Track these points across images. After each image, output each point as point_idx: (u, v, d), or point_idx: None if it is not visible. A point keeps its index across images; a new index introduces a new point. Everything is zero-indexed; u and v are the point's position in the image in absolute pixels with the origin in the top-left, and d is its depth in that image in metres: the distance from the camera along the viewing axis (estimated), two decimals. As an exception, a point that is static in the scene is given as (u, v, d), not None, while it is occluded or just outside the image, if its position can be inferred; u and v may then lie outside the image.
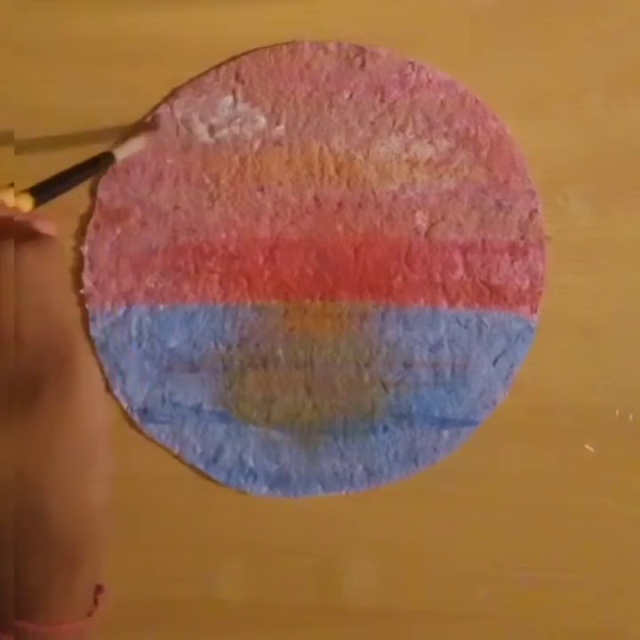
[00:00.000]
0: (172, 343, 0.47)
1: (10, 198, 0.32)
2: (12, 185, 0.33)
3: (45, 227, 0.32)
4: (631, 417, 0.47)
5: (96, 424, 0.29)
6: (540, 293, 0.46)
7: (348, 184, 0.46)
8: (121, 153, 0.40)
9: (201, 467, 0.47)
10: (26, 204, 0.32)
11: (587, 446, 0.47)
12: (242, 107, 0.46)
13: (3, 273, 0.28)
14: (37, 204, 0.33)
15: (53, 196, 0.34)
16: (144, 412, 0.47)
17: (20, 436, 0.27)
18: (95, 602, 0.32)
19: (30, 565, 0.29)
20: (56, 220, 0.47)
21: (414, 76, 0.45)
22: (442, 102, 0.45)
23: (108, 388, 0.47)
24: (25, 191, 0.33)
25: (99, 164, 0.39)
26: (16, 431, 0.27)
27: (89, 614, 0.32)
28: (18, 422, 0.27)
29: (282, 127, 0.46)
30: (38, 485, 0.28)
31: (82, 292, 0.46)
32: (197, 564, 0.48)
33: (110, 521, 0.30)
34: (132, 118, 0.46)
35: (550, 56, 0.45)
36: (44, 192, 0.34)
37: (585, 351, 0.46)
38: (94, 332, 0.47)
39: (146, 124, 0.45)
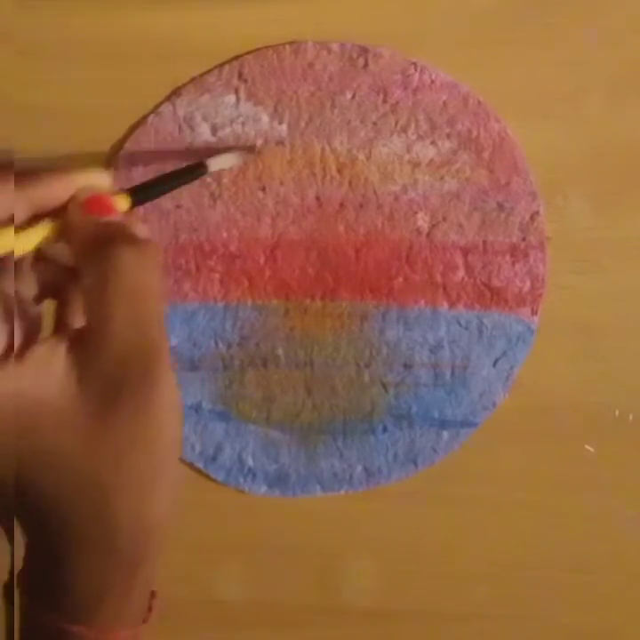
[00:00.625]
0: (172, 342, 0.47)
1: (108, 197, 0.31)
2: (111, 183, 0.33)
3: (142, 230, 0.32)
4: (631, 417, 0.47)
5: (170, 435, 0.29)
6: (540, 295, 0.46)
7: (350, 184, 0.46)
8: (214, 165, 0.41)
9: (200, 465, 0.47)
10: (123, 204, 0.32)
11: (587, 446, 0.47)
12: (244, 106, 0.46)
13: (106, 279, 0.28)
14: (134, 205, 0.33)
15: (149, 199, 0.34)
16: (144, 410, 0.47)
17: (97, 439, 0.28)
18: (149, 608, 0.32)
19: (90, 569, 0.29)
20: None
21: (417, 76, 0.45)
22: (444, 103, 0.45)
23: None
24: (123, 191, 0.32)
25: (192, 174, 0.40)
26: (94, 433, 0.28)
27: (144, 621, 0.32)
28: (96, 425, 0.28)
29: (284, 127, 0.46)
30: (109, 490, 0.28)
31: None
32: (195, 564, 0.48)
33: (171, 529, 0.31)
34: (133, 117, 0.46)
35: (550, 56, 0.45)
36: (141, 194, 0.34)
37: (585, 351, 0.46)
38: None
39: (247, 147, 0.45)
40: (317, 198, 0.46)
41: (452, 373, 0.47)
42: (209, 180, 0.46)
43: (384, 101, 0.45)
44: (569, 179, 0.46)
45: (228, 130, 0.46)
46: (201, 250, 0.46)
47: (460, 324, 0.46)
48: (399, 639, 0.49)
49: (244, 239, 0.46)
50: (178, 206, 0.46)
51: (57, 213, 0.30)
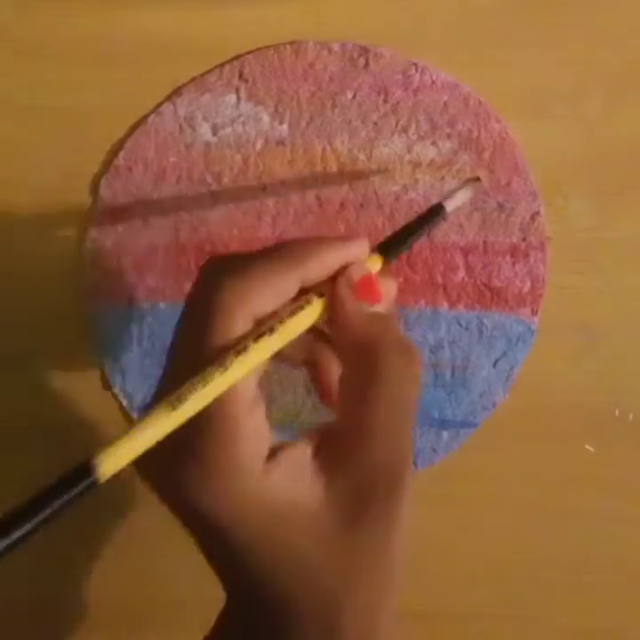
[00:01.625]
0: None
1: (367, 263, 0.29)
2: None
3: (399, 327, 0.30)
4: (631, 417, 0.47)
5: (402, 553, 0.28)
6: (540, 296, 0.46)
7: (351, 184, 0.46)
8: (451, 205, 0.37)
9: (200, 466, 0.47)
10: (376, 265, 0.30)
11: (587, 446, 0.47)
12: (245, 106, 0.46)
13: (376, 387, 0.27)
14: (385, 263, 0.31)
15: (399, 254, 0.32)
16: (144, 410, 0.47)
17: (338, 550, 0.27)
18: None
19: None
20: (56, 223, 0.47)
21: (418, 76, 0.45)
22: (445, 103, 0.45)
23: (108, 386, 0.47)
24: (374, 250, 0.30)
25: (432, 216, 0.36)
26: (338, 543, 0.27)
27: None
28: (341, 535, 0.27)
29: (285, 127, 0.46)
30: (340, 604, 0.27)
31: (82, 290, 0.46)
32: (196, 564, 0.48)
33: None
34: (134, 117, 0.46)
35: (551, 56, 0.45)
36: (391, 251, 0.32)
37: (585, 351, 0.46)
38: (95, 331, 0.46)
39: (470, 179, 0.41)
40: (318, 198, 0.46)
41: (452, 373, 0.47)
42: (210, 179, 0.46)
43: (385, 101, 0.45)
44: (569, 179, 0.46)
45: (228, 130, 0.46)
46: (201, 250, 0.46)
47: (461, 325, 0.46)
48: (399, 639, 0.48)
49: (245, 239, 0.46)
50: (178, 206, 0.46)
51: (321, 286, 0.28)
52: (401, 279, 0.46)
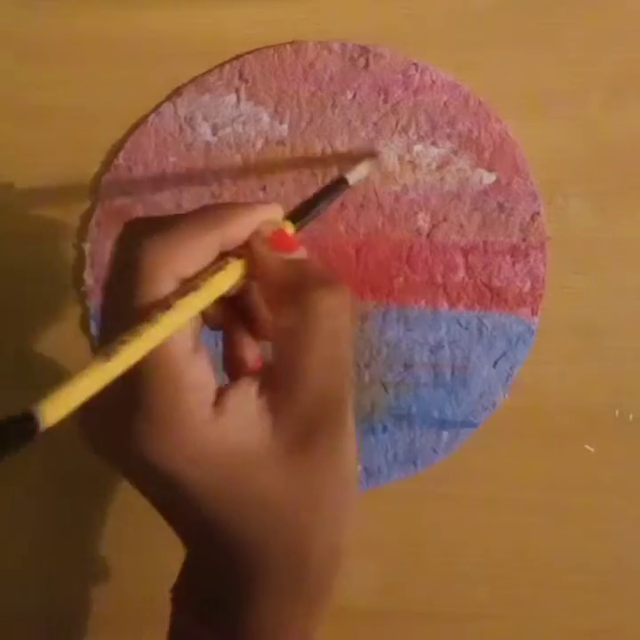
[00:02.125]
0: (173, 341, 0.46)
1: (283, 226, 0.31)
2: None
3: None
4: (631, 417, 0.47)
5: (354, 473, 0.30)
6: (540, 296, 0.46)
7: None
8: (353, 177, 0.41)
9: (200, 466, 0.47)
10: (289, 230, 0.32)
11: (587, 446, 0.47)
12: (245, 106, 0.46)
13: (306, 322, 0.28)
14: (296, 228, 0.33)
15: (305, 224, 0.34)
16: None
17: (295, 480, 0.28)
18: None
19: (272, 610, 0.29)
20: (59, 217, 0.47)
21: (418, 77, 0.45)
22: (445, 104, 0.45)
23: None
24: (286, 219, 0.32)
25: (336, 189, 0.39)
26: (293, 474, 0.28)
27: None
28: (294, 467, 0.28)
29: (285, 126, 0.46)
30: (307, 528, 0.28)
31: (83, 289, 0.46)
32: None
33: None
34: (134, 117, 0.46)
35: (550, 56, 0.45)
36: (298, 219, 0.34)
37: (585, 351, 0.46)
38: (95, 330, 0.46)
39: (369, 154, 0.45)
40: (318, 198, 0.46)
41: (452, 373, 0.47)
42: (210, 179, 0.46)
43: (385, 102, 0.45)
44: (569, 179, 0.46)
45: (228, 129, 0.46)
46: (201, 249, 0.46)
47: (461, 325, 0.46)
48: (399, 639, 0.49)
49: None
50: (178, 206, 0.46)
51: (239, 250, 0.30)
52: (401, 279, 0.46)
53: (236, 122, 0.46)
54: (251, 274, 0.30)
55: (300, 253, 0.31)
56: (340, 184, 0.40)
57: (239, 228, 0.29)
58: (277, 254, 0.30)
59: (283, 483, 0.28)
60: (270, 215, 0.31)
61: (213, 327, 0.33)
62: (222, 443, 0.27)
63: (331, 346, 0.28)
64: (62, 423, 0.24)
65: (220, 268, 0.29)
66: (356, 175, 0.41)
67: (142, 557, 0.48)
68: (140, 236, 0.27)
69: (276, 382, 0.28)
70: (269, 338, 0.32)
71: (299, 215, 0.34)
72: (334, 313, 0.28)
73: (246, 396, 0.28)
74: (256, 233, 0.30)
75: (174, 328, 0.26)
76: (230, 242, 0.29)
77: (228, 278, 0.29)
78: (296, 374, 0.28)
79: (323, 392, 0.28)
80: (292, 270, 0.29)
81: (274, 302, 0.30)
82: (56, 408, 0.24)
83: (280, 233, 0.30)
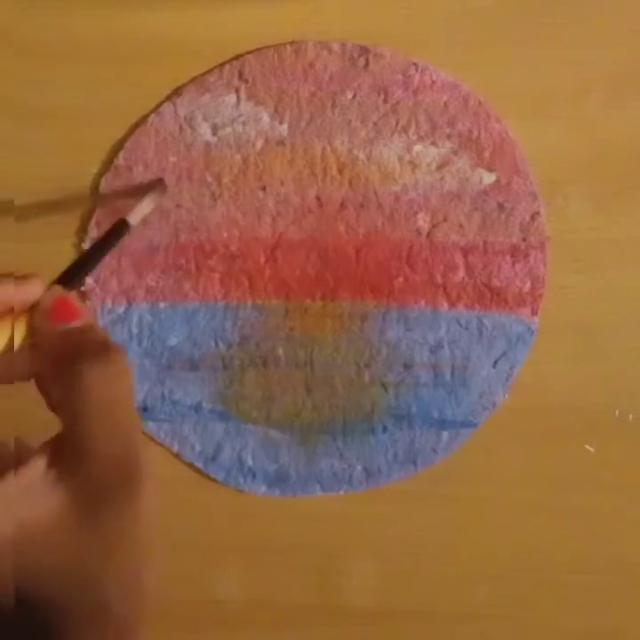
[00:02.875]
0: (173, 341, 0.47)
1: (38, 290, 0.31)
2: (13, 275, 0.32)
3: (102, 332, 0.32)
4: (631, 417, 0.47)
5: (155, 519, 0.30)
6: (540, 296, 0.46)
7: (351, 184, 0.46)
8: (134, 218, 0.40)
9: (199, 465, 0.47)
10: (62, 292, 0.32)
11: (587, 446, 0.47)
12: (245, 106, 0.46)
13: (77, 395, 0.28)
14: (72, 288, 0.33)
15: (82, 279, 0.34)
16: (143, 410, 0.47)
17: (86, 540, 0.28)
18: None
19: None
20: (59, 217, 0.47)
21: (418, 77, 0.45)
22: (445, 103, 0.45)
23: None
24: (53, 283, 0.33)
25: (117, 234, 0.39)
26: (84, 537, 0.28)
27: None
28: (85, 527, 0.28)
29: (285, 126, 0.46)
30: (99, 580, 0.28)
31: (82, 289, 0.46)
32: (195, 563, 0.48)
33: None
34: (134, 117, 0.46)
35: (550, 56, 0.45)
36: (72, 279, 0.34)
37: (585, 351, 0.46)
38: (94, 330, 0.46)
39: (152, 185, 0.45)
40: (318, 198, 0.46)
41: (452, 373, 0.47)
42: (210, 179, 0.46)
43: (385, 101, 0.45)
44: (569, 179, 0.46)
45: (228, 129, 0.46)
46: (201, 249, 0.46)
47: (460, 325, 0.46)
48: (399, 639, 0.49)
49: (245, 239, 0.46)
50: (178, 206, 0.46)
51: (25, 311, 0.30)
52: (401, 279, 0.46)
53: (236, 122, 0.46)
54: (32, 343, 0.30)
55: (84, 320, 0.31)
56: (121, 228, 0.40)
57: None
58: (53, 326, 0.30)
59: (77, 550, 0.28)
60: (30, 291, 0.31)
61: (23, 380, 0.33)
62: (16, 522, 0.27)
63: (107, 415, 0.28)
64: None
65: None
66: (138, 215, 0.41)
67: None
68: None
69: (64, 453, 0.28)
70: (51, 408, 0.32)
71: (69, 276, 0.34)
72: (104, 384, 0.28)
73: (36, 469, 0.28)
74: (35, 303, 0.30)
75: None
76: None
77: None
78: (79, 444, 0.28)
79: (108, 459, 0.28)
80: (64, 342, 0.30)
81: (53, 372, 0.30)
82: None
83: (60, 302, 0.30)
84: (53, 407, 0.32)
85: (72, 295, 0.32)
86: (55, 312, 0.30)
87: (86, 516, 0.28)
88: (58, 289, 0.32)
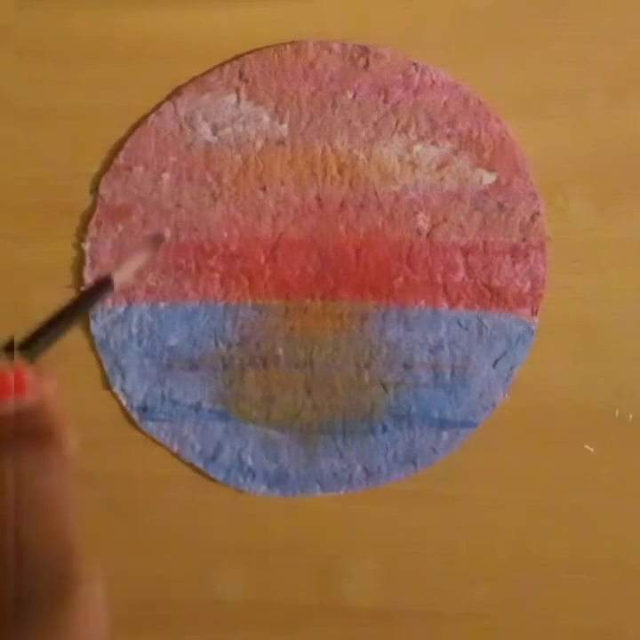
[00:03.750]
0: (173, 341, 0.47)
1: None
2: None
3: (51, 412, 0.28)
4: (631, 417, 0.47)
5: (94, 634, 0.28)
6: (540, 296, 0.46)
7: (351, 184, 0.46)
8: (120, 276, 0.33)
9: (199, 465, 0.47)
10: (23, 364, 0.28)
11: (587, 446, 0.47)
12: (245, 106, 0.46)
13: (8, 489, 0.26)
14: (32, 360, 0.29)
15: (49, 345, 0.30)
16: (143, 409, 0.47)
17: None
18: None
19: None
20: (56, 223, 0.47)
21: (418, 77, 0.45)
22: (445, 104, 0.45)
23: (108, 386, 0.47)
24: (20, 351, 0.29)
25: (98, 294, 0.33)
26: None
27: None
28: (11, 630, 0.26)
29: (285, 126, 0.46)
30: None
31: (82, 288, 0.46)
32: (195, 563, 0.48)
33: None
34: (134, 117, 0.46)
35: (551, 56, 0.45)
36: (38, 343, 0.30)
37: (585, 351, 0.47)
38: (95, 330, 0.46)
39: (147, 241, 0.38)
40: (318, 198, 0.46)
41: (452, 373, 0.47)
42: (210, 179, 0.46)
43: (385, 102, 0.45)
44: (569, 179, 0.46)
45: (228, 129, 0.46)
46: (201, 249, 0.46)
47: (460, 325, 0.46)
48: (399, 639, 0.48)
49: (245, 239, 0.46)
50: (178, 206, 0.46)
51: None
52: (401, 279, 0.46)
53: (236, 122, 0.46)
54: None
55: (32, 398, 0.27)
56: (105, 287, 0.33)
57: None
58: None
59: None
60: None
61: None
62: None
63: (40, 513, 0.26)
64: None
65: None
66: (125, 273, 0.34)
67: (138, 559, 0.48)
68: None
69: None
70: None
71: (30, 344, 0.30)
72: (41, 473, 0.26)
73: None
74: None
75: None
76: None
77: None
78: (8, 544, 0.26)
79: (35, 561, 0.26)
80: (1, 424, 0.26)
81: None
82: None
83: (2, 377, 0.27)
84: None
85: (27, 365, 0.28)
86: None
87: (11, 624, 0.26)
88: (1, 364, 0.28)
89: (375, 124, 0.46)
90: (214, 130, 0.46)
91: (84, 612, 0.27)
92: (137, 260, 0.36)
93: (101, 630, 0.27)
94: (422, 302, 0.46)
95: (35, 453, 0.26)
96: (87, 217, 0.46)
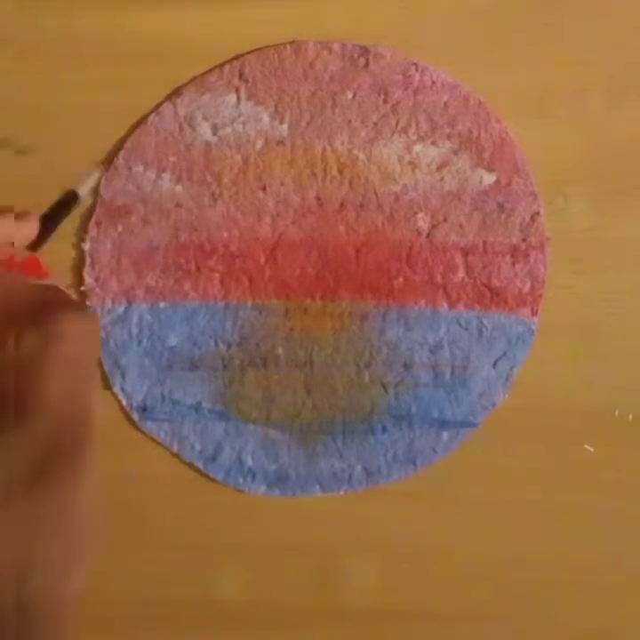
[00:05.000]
0: (172, 341, 0.47)
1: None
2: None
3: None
4: (631, 417, 0.47)
5: (91, 517, 0.28)
6: (540, 296, 0.46)
7: (351, 184, 0.46)
8: (83, 190, 0.40)
9: (199, 465, 0.47)
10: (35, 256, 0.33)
11: (586, 446, 0.47)
12: (245, 105, 0.46)
13: (51, 342, 0.27)
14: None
15: (41, 244, 0.34)
16: (143, 409, 0.47)
17: (19, 517, 0.26)
18: None
19: None
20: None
21: (418, 77, 0.45)
22: (445, 104, 0.45)
23: (108, 386, 0.47)
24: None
25: (68, 206, 0.39)
26: (18, 509, 0.26)
27: None
28: (21, 499, 0.26)
29: (285, 126, 0.46)
30: (23, 574, 0.27)
31: (82, 288, 0.46)
32: (195, 563, 0.48)
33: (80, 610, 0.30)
34: (134, 117, 0.46)
35: (551, 56, 0.45)
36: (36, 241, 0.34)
37: (585, 351, 0.47)
38: (94, 330, 0.46)
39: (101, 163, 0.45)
40: (318, 198, 0.46)
41: (452, 373, 0.47)
42: (210, 179, 0.46)
43: (385, 102, 0.45)
44: (569, 179, 0.46)
45: (228, 129, 0.46)
46: (201, 249, 0.46)
47: (460, 325, 0.46)
48: (399, 639, 0.48)
49: (245, 239, 0.46)
50: (178, 206, 0.46)
51: None
52: (401, 279, 0.46)
53: (236, 122, 0.46)
54: None
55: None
56: (70, 198, 0.39)
57: None
58: (23, 278, 0.29)
59: (17, 520, 0.26)
60: (23, 231, 0.31)
61: None
62: None
63: (72, 371, 0.27)
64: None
65: None
66: (86, 186, 0.41)
67: (137, 559, 0.48)
68: None
69: (6, 411, 0.27)
70: None
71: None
72: (78, 337, 0.27)
73: None
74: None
75: None
76: None
77: None
78: (27, 406, 0.27)
79: (59, 419, 0.27)
80: (35, 294, 0.29)
81: (15, 326, 0.28)
82: None
83: (30, 260, 0.31)
84: None
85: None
86: (28, 267, 0.30)
87: (22, 490, 0.26)
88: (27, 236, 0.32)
89: (375, 124, 0.46)
90: (214, 130, 0.46)
91: (90, 488, 0.28)
92: (92, 176, 0.41)
93: (96, 510, 0.29)
94: (422, 302, 0.46)
95: (77, 317, 0.28)
96: (87, 217, 0.46)
